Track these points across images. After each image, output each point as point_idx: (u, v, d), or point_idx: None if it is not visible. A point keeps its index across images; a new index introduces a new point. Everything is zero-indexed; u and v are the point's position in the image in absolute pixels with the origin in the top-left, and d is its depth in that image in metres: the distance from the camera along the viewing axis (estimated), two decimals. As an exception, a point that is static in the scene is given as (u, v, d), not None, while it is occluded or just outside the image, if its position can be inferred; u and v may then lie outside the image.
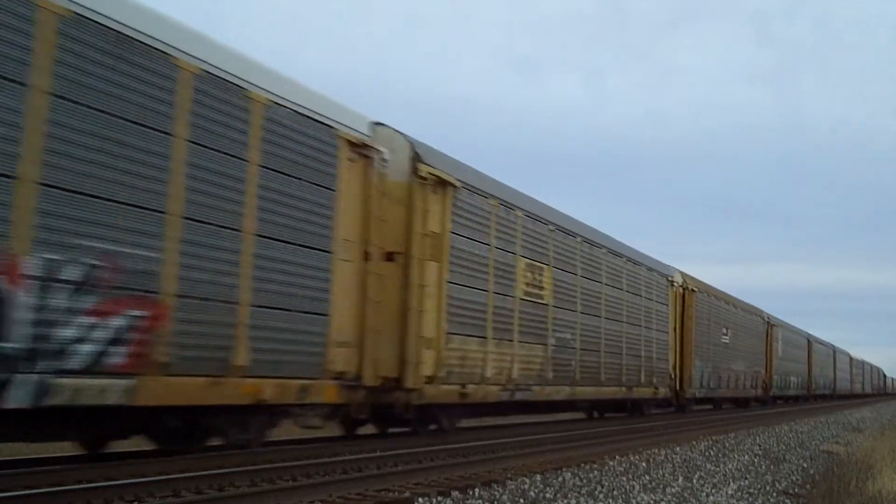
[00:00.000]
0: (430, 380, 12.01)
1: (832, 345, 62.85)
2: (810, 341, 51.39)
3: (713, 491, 9.24)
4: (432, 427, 13.13)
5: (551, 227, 16.16)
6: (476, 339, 13.27)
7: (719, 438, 16.89)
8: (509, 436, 13.99)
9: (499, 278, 14.03)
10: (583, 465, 10.91)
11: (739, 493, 9.20)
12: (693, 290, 25.79)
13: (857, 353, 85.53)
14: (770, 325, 38.84)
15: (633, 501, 8.29)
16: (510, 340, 14.33)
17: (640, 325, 21.03)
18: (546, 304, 15.77)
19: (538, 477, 9.44)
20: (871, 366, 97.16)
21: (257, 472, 8.43)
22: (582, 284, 17.52)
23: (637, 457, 12.28)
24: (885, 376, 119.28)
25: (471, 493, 8.21)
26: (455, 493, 8.06)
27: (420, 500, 7.66)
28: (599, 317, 18.40)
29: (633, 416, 22.26)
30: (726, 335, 30.03)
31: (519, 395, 14.62)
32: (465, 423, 15.90)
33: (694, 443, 15.43)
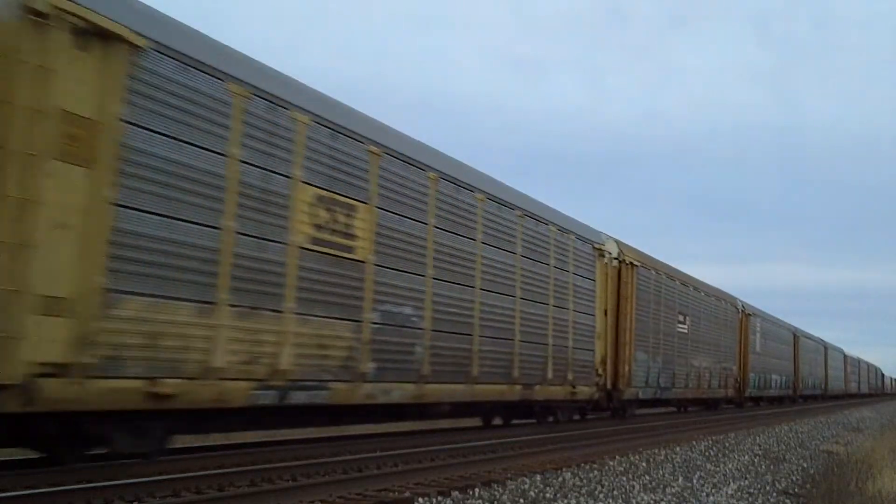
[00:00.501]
0: (63, 369, 6.72)
1: (823, 340, 56.68)
2: (797, 335, 45.29)
3: (713, 491, 9.27)
4: (94, 451, 7.85)
5: (375, 150, 10.91)
6: (189, 304, 7.98)
7: (719, 438, 16.92)
8: (502, 437, 13.73)
9: (250, 211, 8.78)
10: (583, 465, 10.92)
11: (739, 493, 9.21)
12: (633, 265, 20.15)
13: (857, 352, 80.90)
14: (745, 315, 33.04)
15: (633, 501, 8.30)
16: (277, 311, 9.04)
17: (548, 304, 15.66)
18: (362, 262, 10.48)
19: (538, 477, 9.45)
20: (868, 364, 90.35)
21: (257, 472, 8.38)
22: (438, 239, 12.25)
23: (637, 457, 12.24)
24: (882, 375, 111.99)
25: (471, 493, 8.23)
26: (455, 493, 8.08)
27: (420, 500, 7.66)
28: (473, 287, 13.10)
29: (542, 425, 16.73)
30: (684, 323, 24.31)
31: (300, 397, 9.30)
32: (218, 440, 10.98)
33: (694, 443, 15.43)
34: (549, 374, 15.52)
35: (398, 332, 11.09)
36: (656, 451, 13.35)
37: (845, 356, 67.41)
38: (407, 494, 7.99)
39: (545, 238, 15.80)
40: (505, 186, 14.82)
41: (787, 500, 9.25)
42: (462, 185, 13.06)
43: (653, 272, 21.92)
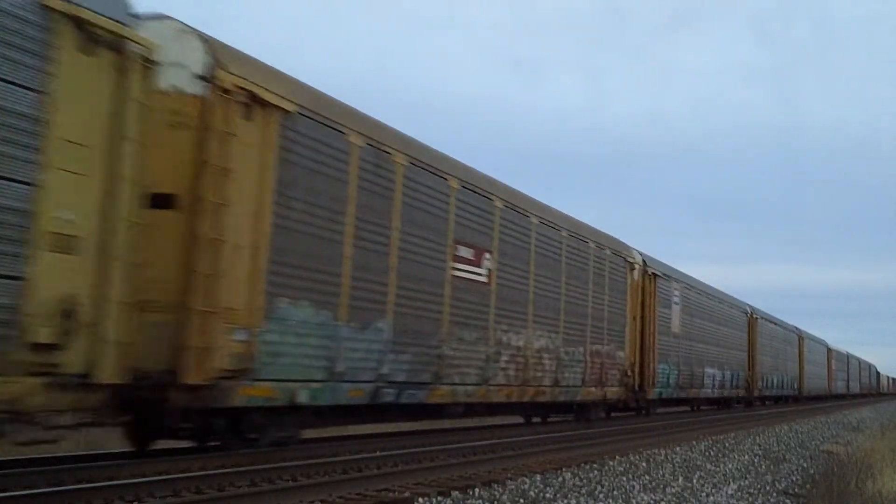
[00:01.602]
0: None
1: (797, 328, 45.76)
2: (754, 317, 33.73)
3: (713, 491, 9.22)
4: None
5: None
6: None
7: (719, 438, 16.85)
8: (509, 436, 13.85)
9: None
10: (583, 465, 10.85)
11: (739, 493, 9.17)
12: (261, 102, 8.81)
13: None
14: (648, 275, 21.22)
15: (633, 501, 8.27)
16: None
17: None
18: None
19: (538, 477, 9.39)
20: (860, 361, 78.40)
21: (257, 472, 8.34)
22: None
23: (637, 457, 12.19)
24: (878, 374, 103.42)
25: (471, 493, 8.19)
26: (455, 493, 8.03)
27: (420, 500, 7.63)
28: None
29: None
30: (478, 266, 13.34)
31: None
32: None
33: (694, 443, 15.37)
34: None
35: None
36: (656, 451, 13.24)
37: (829, 349, 57.15)
38: (407, 494, 7.99)
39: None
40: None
41: (787, 500, 9.24)
42: None
43: (357, 138, 10.37)
